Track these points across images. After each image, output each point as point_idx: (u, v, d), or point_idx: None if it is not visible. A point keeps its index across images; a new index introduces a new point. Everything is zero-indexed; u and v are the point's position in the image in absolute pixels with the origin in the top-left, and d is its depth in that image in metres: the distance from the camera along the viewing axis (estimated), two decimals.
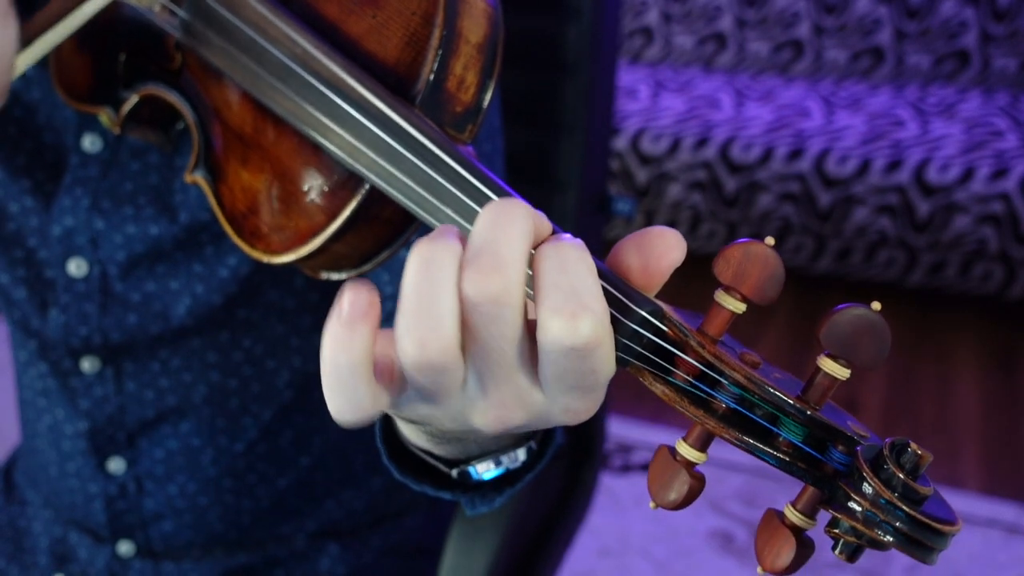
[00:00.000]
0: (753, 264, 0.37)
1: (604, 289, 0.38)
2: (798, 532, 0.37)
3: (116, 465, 0.81)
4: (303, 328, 0.79)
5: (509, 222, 0.36)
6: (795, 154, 2.68)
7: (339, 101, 0.47)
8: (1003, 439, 2.31)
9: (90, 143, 0.72)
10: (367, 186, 0.48)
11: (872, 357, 0.35)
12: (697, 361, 0.38)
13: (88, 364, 0.78)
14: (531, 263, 0.37)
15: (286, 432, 0.83)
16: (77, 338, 0.76)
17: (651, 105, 2.94)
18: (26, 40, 0.54)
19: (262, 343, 0.79)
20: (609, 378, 0.38)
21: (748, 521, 2.03)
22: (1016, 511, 2.08)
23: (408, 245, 0.54)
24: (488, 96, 0.49)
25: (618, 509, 2.07)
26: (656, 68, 3.27)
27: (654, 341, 0.38)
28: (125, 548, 0.84)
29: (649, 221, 2.85)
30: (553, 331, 0.36)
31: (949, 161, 2.59)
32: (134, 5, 0.58)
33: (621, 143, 2.81)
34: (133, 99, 0.62)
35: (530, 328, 0.37)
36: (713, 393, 0.38)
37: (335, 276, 0.53)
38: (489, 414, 0.39)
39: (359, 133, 0.47)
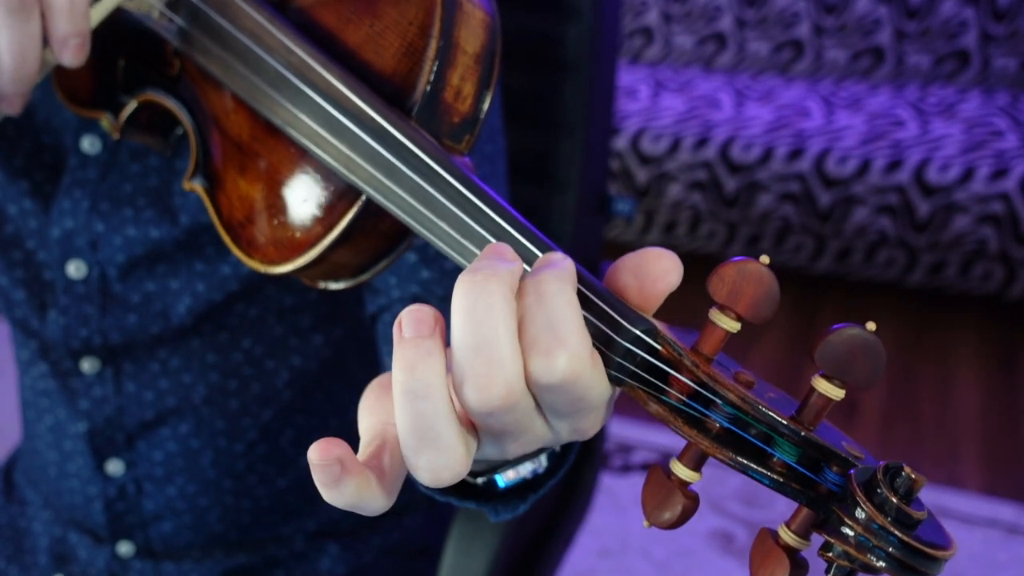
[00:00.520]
0: (748, 283, 0.36)
1: (597, 308, 0.38)
2: (792, 553, 0.37)
3: (115, 467, 0.81)
4: (302, 328, 0.79)
5: (485, 309, 0.35)
6: (795, 154, 2.68)
7: (333, 111, 0.47)
8: (1003, 439, 2.31)
9: (89, 144, 0.72)
10: (364, 198, 0.48)
11: (867, 377, 0.35)
12: (691, 380, 0.38)
13: (88, 365, 0.78)
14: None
15: (286, 432, 0.83)
16: (77, 339, 0.76)
17: (651, 105, 2.94)
18: None
19: (261, 343, 0.79)
20: (605, 398, 0.38)
21: (748, 521, 2.03)
22: (1016, 511, 2.07)
23: (410, 249, 0.54)
24: (486, 106, 0.48)
25: (618, 509, 2.07)
26: (656, 68, 3.27)
27: (647, 360, 0.38)
28: (125, 549, 0.84)
29: (649, 221, 2.86)
30: (531, 368, 0.36)
31: (949, 161, 2.58)
32: (132, 10, 0.58)
33: (621, 143, 2.81)
34: (132, 104, 0.62)
35: None
36: (707, 413, 0.38)
37: (333, 285, 0.53)
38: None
39: (353, 143, 0.46)
